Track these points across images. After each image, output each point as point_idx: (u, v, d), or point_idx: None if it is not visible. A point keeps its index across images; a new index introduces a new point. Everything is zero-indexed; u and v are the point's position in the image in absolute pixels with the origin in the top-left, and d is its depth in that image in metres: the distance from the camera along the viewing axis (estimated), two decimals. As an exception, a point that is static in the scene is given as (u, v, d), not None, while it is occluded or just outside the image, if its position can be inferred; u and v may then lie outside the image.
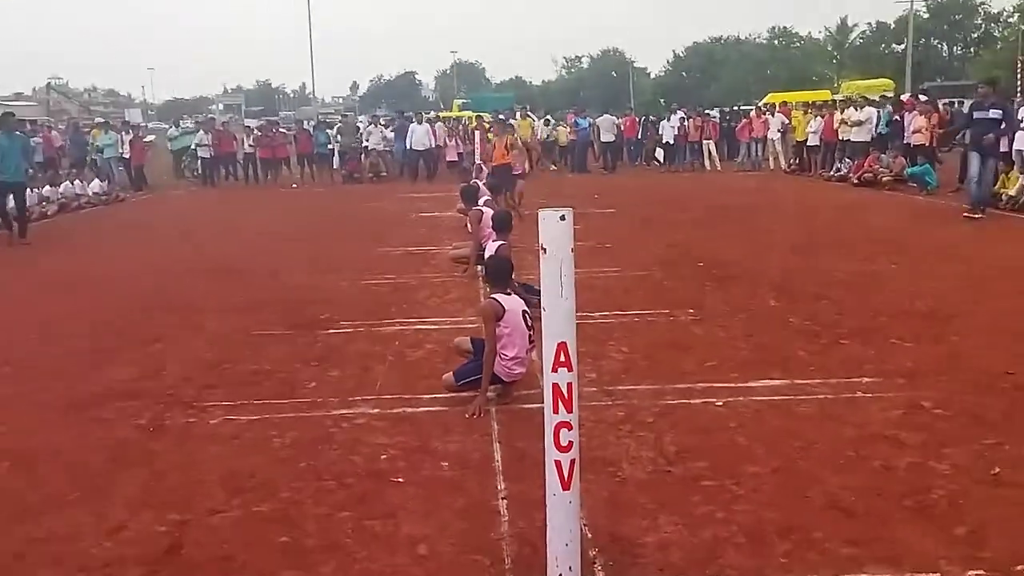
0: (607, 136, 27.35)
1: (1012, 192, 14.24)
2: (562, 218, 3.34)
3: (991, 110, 13.28)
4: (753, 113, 27.41)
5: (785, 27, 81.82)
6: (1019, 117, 14.84)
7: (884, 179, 18.71)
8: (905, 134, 19.35)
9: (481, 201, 10.88)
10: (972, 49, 67.71)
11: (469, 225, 10.56)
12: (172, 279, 10.46)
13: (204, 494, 4.45)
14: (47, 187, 19.36)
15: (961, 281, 9.12)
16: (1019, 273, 9.47)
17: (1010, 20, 63.19)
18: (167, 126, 37.72)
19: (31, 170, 18.21)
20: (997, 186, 15.21)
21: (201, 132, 26.25)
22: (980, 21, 68.18)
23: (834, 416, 5.27)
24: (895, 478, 4.41)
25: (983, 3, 67.00)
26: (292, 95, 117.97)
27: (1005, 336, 6.92)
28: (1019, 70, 33.16)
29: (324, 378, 6.30)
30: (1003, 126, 13.53)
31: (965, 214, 13.42)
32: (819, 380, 5.93)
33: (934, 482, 4.34)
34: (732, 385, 5.92)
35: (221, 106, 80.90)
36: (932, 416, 5.24)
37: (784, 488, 4.33)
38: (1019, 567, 3.59)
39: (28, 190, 18.33)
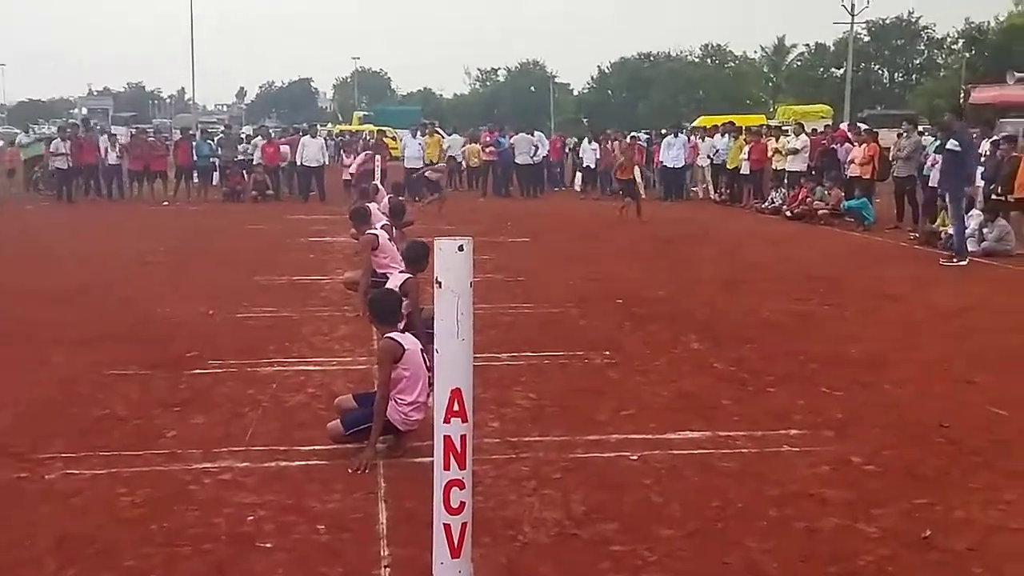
0: (523, 158, 27.42)
1: (950, 230, 14.80)
2: (460, 249, 3.33)
3: (950, 140, 13.39)
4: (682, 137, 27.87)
5: (719, 45, 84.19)
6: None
7: (820, 212, 19.28)
8: (842, 165, 20.09)
9: (378, 225, 10.80)
10: (914, 76, 70.73)
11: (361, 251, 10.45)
12: (12, 305, 10.07)
13: (31, 564, 4.25)
14: None
15: (897, 325, 9.42)
16: (956, 317, 9.82)
17: (954, 47, 66.31)
18: (18, 131, 36.50)
19: None
20: (936, 224, 15.86)
21: (58, 139, 25.47)
22: (923, 47, 71.29)
23: (757, 473, 5.34)
24: (820, 542, 4.49)
25: (926, 28, 70.12)
26: (169, 100, 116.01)
27: (940, 385, 7.17)
28: (963, 100, 34.71)
29: (186, 426, 6.13)
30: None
31: (943, 261, 13.47)
32: (743, 432, 6.02)
33: (861, 547, 4.43)
34: (649, 437, 5.96)
35: (85, 110, 78.49)
36: (861, 472, 5.37)
37: (701, 554, 4.36)
38: (949, 641, 3.68)
39: None
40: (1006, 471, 5.37)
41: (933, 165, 16.36)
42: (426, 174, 23.38)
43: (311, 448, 5.70)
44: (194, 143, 26.50)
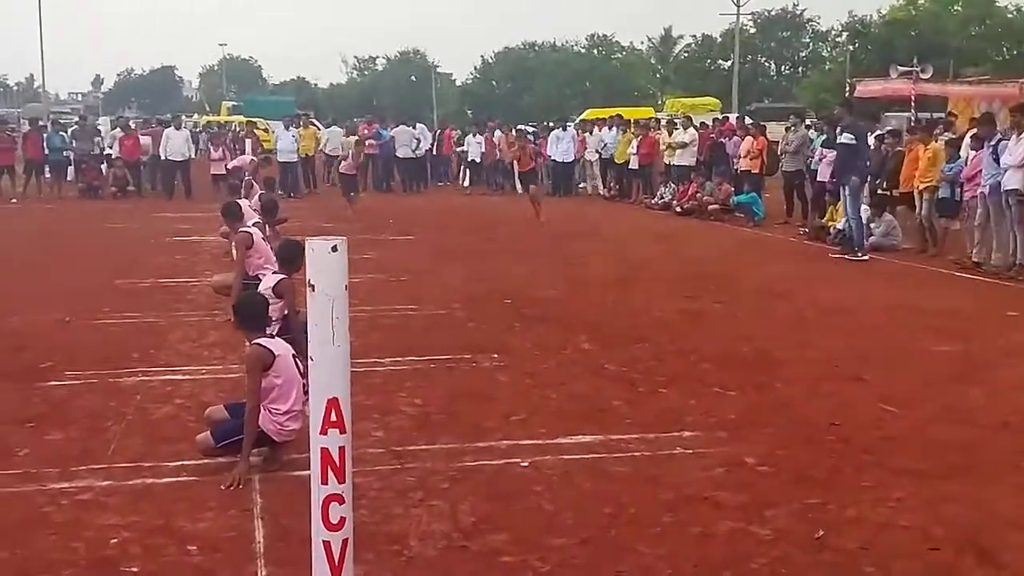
0: (404, 151, 27.37)
1: (840, 225, 15.36)
2: (334, 249, 3.28)
3: (843, 134, 13.98)
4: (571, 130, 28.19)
5: (605, 35, 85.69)
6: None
7: (710, 207, 19.77)
8: (731, 159, 20.66)
9: (250, 223, 10.61)
10: (800, 69, 73.32)
11: (234, 251, 10.26)
12: None
13: None
14: None
15: (788, 322, 9.73)
16: (847, 313, 10.19)
17: (838, 40, 68.96)
18: None
19: None
20: (825, 218, 16.44)
21: None
22: (808, 40, 74.03)
23: (650, 476, 5.44)
24: (714, 546, 4.59)
25: (811, 20, 72.80)
26: (16, 88, 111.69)
27: (831, 383, 7.42)
28: (849, 93, 35.95)
29: (41, 443, 5.92)
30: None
31: (832, 255, 14.22)
32: (635, 435, 6.13)
33: (755, 549, 4.55)
34: (539, 442, 6.00)
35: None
36: (755, 474, 5.52)
37: (594, 562, 4.41)
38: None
39: None
40: (896, 468, 5.58)
41: (820, 159, 16.95)
42: (340, 169, 22.33)
43: (180, 463, 5.57)
44: (45, 135, 25.57)
